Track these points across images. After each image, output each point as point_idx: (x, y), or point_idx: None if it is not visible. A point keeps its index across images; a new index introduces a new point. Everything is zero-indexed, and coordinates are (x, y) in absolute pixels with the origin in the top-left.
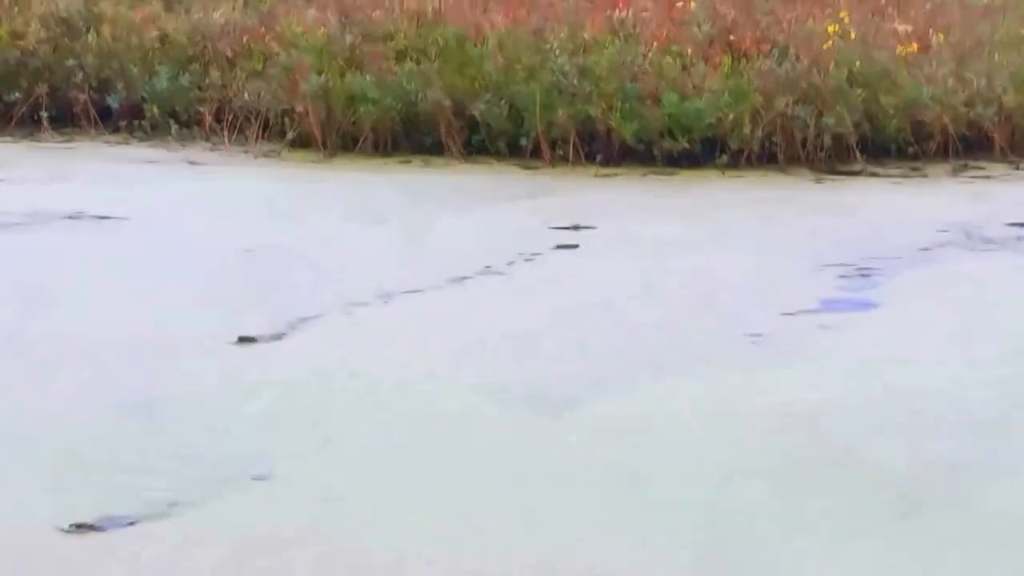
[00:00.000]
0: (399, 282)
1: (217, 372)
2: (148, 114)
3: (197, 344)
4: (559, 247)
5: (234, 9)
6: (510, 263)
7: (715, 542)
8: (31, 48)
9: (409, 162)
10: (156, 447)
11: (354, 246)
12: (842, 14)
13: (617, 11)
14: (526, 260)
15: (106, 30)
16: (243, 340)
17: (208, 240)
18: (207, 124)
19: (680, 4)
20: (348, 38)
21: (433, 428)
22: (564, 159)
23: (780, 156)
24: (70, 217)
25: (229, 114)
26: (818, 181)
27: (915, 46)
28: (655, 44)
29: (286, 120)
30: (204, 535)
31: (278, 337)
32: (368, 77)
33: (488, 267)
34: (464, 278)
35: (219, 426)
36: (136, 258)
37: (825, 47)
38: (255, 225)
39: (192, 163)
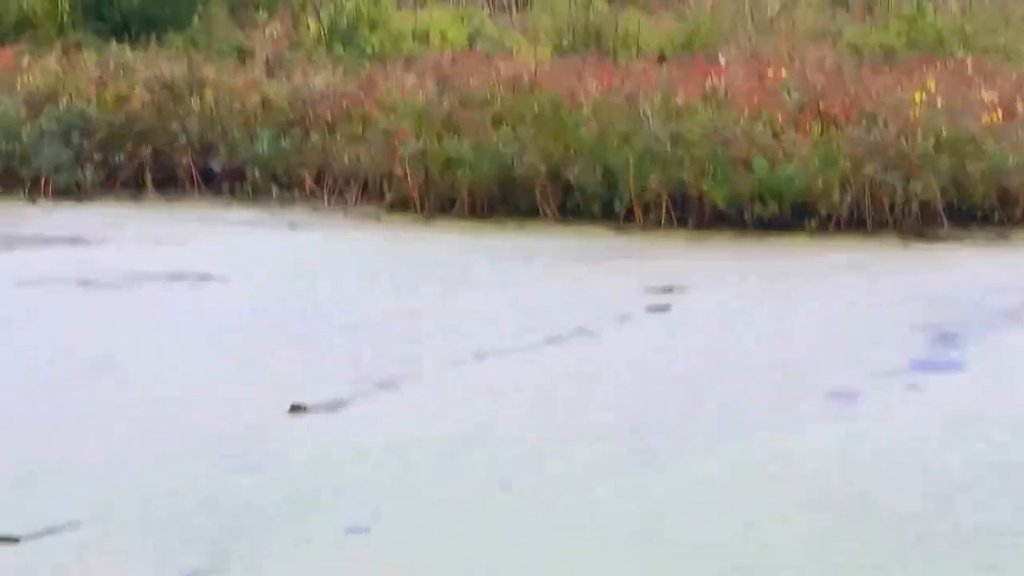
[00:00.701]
0: (495, 342)
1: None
2: (250, 177)
3: (283, 405)
4: (651, 309)
5: (334, 74)
6: (603, 324)
7: None
8: (136, 111)
9: (505, 225)
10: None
11: (451, 307)
12: (929, 83)
13: (709, 79)
14: (619, 321)
15: (209, 95)
16: (329, 407)
17: (307, 301)
18: (307, 187)
19: (771, 73)
20: (446, 103)
21: (529, 484)
22: (657, 223)
23: (868, 221)
24: (172, 277)
25: (329, 177)
26: (905, 246)
27: (1001, 114)
28: (746, 111)
29: (385, 183)
30: None
31: (367, 397)
32: (465, 142)
33: (581, 328)
34: (558, 338)
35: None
36: (236, 318)
37: (913, 115)
38: (354, 287)
39: (293, 225)
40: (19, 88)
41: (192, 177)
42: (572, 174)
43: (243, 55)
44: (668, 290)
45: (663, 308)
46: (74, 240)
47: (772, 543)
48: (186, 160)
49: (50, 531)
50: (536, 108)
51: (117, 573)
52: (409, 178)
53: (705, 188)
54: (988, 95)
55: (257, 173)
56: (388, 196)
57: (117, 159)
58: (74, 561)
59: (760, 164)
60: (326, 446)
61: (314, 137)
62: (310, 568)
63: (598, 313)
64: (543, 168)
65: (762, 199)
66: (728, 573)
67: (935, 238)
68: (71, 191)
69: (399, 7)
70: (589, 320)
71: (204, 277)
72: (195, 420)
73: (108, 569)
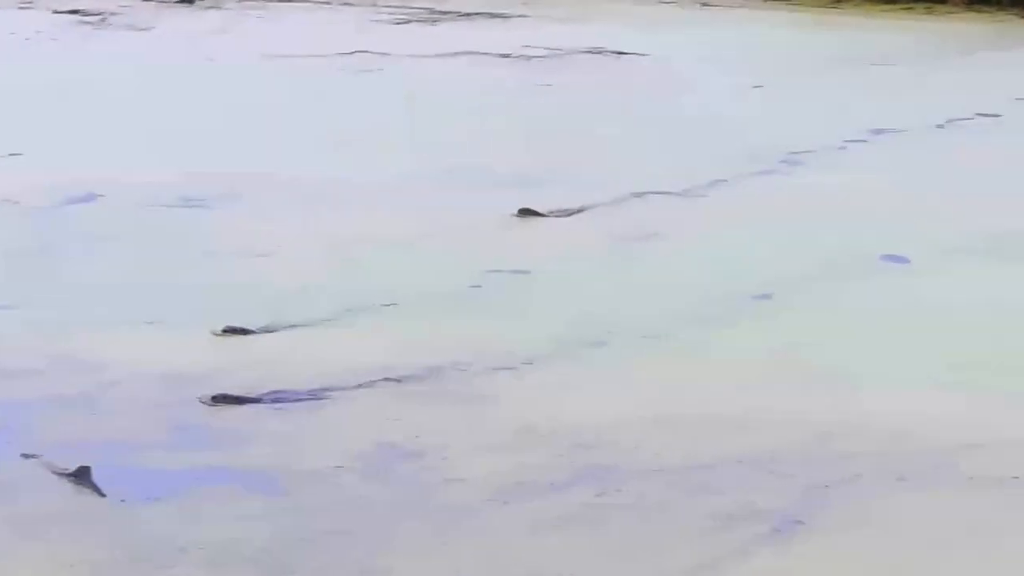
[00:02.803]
0: (890, 122)
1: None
2: None
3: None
4: None
5: None
6: (1005, 108)
7: None
8: None
9: (912, 9)
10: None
11: (848, 87)
12: None
13: None
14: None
15: None
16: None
17: (716, 78)
18: None
19: None
20: None
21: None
22: None
23: None
24: (590, 52)
25: None
26: None
27: None
28: None
29: None
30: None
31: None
32: None
33: (980, 112)
34: (956, 120)
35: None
36: (645, 92)
37: None
38: (757, 65)
39: (705, 5)
40: None
41: None
42: None
43: None
44: None
45: None
46: (494, 15)
47: None
48: None
49: None
50: None
51: None
52: None
53: None
54: None
55: None
56: None
57: None
58: None
59: None
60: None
61: None
62: None
63: (1000, 97)
64: None
65: None
66: None
67: None
68: None
69: None
70: (989, 104)
71: (620, 53)
72: None
73: None
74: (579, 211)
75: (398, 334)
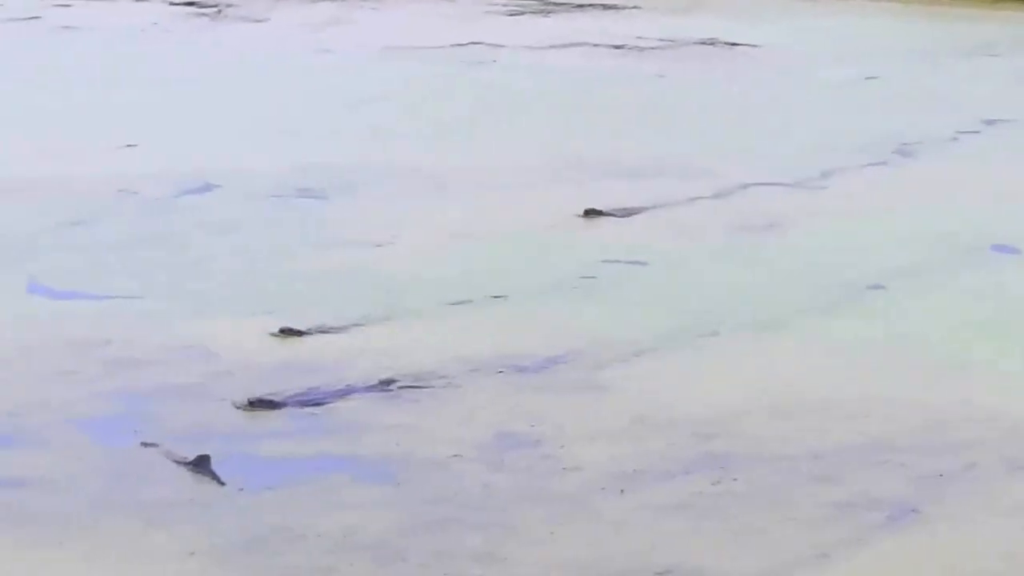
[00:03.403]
0: (1001, 112)
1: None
2: None
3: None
4: None
5: None
6: None
7: None
8: None
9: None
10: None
11: (958, 77)
12: None
13: None
14: None
15: None
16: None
17: (830, 69)
18: None
19: None
20: None
21: None
22: None
23: None
24: (702, 43)
25: None
26: None
27: None
28: None
29: None
30: None
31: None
32: None
33: None
34: None
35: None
36: (758, 82)
37: None
38: (868, 55)
39: None
40: None
41: None
42: None
43: None
44: None
45: None
46: (607, 6)
47: None
48: None
49: None
50: None
51: None
52: None
53: None
54: None
55: None
56: None
57: None
58: None
59: None
60: None
61: None
62: None
63: None
64: None
65: None
66: None
67: None
68: None
69: None
70: None
71: (733, 44)
72: None
73: None
74: (692, 201)
75: (513, 323)
